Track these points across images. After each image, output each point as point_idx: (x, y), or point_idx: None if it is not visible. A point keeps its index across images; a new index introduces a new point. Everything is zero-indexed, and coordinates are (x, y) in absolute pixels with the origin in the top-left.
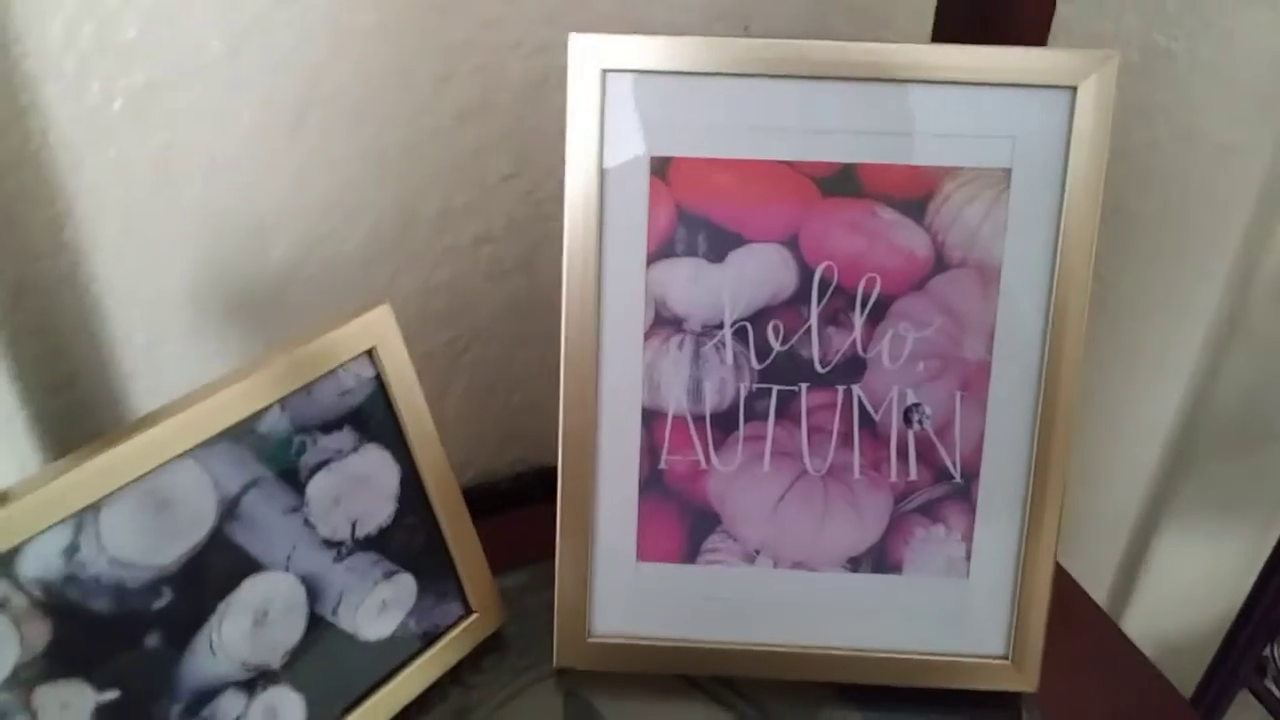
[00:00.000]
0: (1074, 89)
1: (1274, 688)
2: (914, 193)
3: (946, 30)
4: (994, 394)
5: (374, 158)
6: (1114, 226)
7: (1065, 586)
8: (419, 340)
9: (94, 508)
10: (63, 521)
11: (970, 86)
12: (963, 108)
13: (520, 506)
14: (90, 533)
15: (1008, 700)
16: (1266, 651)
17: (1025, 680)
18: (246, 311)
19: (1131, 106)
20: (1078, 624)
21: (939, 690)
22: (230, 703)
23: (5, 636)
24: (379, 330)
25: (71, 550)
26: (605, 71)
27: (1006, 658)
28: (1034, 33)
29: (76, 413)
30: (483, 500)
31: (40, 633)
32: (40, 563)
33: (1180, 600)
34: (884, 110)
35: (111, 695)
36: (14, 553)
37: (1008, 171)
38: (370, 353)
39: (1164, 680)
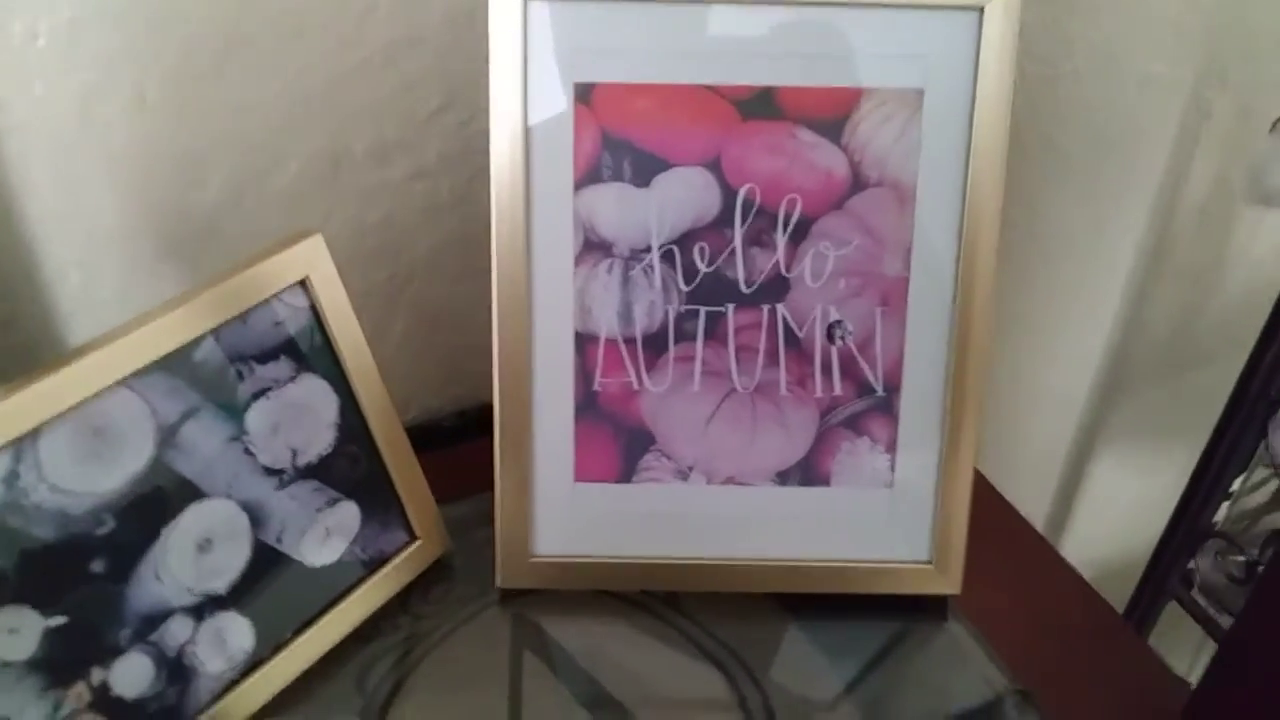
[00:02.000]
0: (980, 9)
1: (1199, 598)
2: (831, 114)
3: None
4: (912, 309)
5: (302, 94)
6: (1042, 159)
7: (994, 504)
8: (356, 278)
9: (32, 435)
10: (1, 450)
11: (883, 8)
12: (876, 29)
13: (463, 442)
14: (30, 461)
15: (935, 604)
16: (1191, 564)
17: (949, 583)
18: (182, 250)
19: (1054, 37)
20: (1005, 539)
21: (871, 596)
22: (178, 627)
23: None
24: (312, 260)
25: (11, 478)
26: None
27: (930, 562)
28: None
29: (18, 354)
30: (426, 437)
31: None
32: None
33: (1115, 524)
34: (800, 33)
35: (59, 620)
36: None
37: (920, 92)
38: (304, 282)
39: (1089, 589)
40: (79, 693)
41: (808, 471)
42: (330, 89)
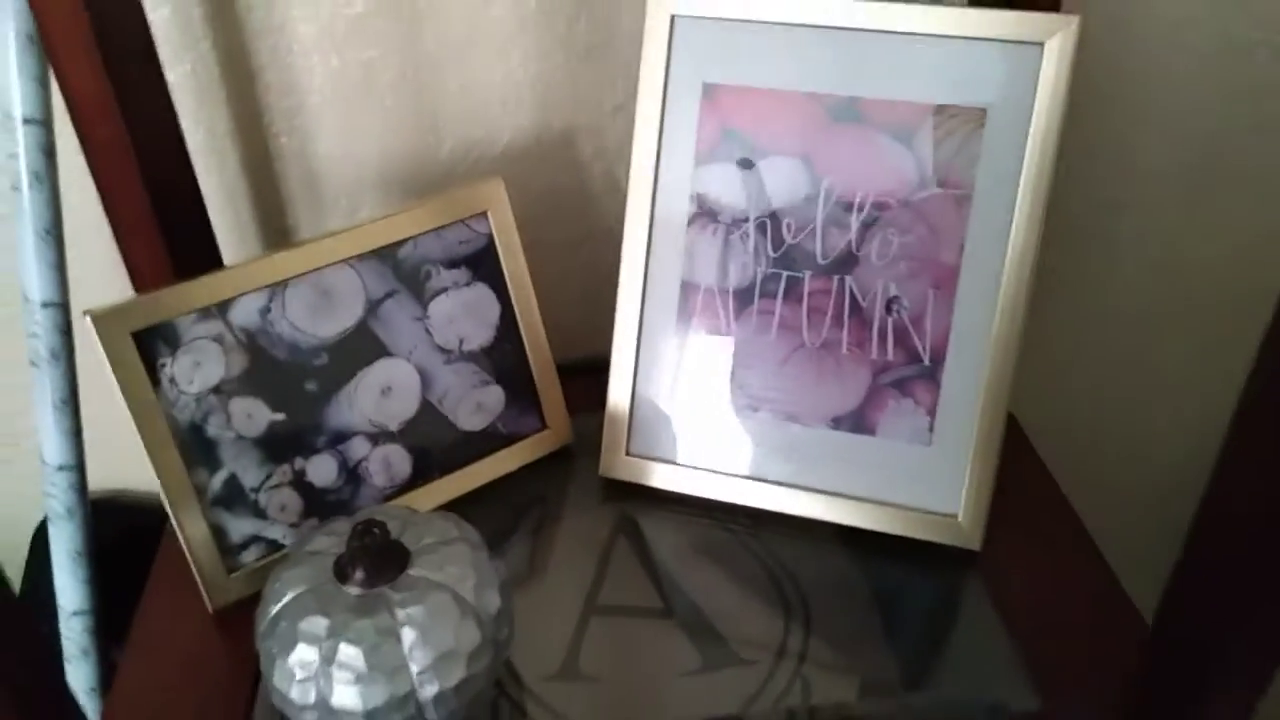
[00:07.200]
0: (1041, 45)
1: None
2: (906, 123)
3: None
4: (961, 293)
5: (518, 81)
6: None
7: (1034, 469)
8: (543, 232)
9: (281, 285)
10: (261, 289)
11: (957, 39)
12: (950, 55)
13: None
14: (279, 301)
15: (963, 557)
16: None
17: (972, 539)
18: (419, 191)
19: None
20: (1035, 504)
21: (911, 543)
22: (358, 446)
23: (217, 359)
24: (492, 197)
25: (265, 311)
26: (674, 16)
27: (957, 517)
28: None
29: None
30: (586, 368)
31: (239, 362)
32: (244, 314)
33: None
34: (884, 54)
35: (280, 417)
36: (229, 303)
37: (984, 110)
38: (485, 214)
39: (1100, 558)
40: (285, 471)
41: (858, 421)
42: (540, 80)
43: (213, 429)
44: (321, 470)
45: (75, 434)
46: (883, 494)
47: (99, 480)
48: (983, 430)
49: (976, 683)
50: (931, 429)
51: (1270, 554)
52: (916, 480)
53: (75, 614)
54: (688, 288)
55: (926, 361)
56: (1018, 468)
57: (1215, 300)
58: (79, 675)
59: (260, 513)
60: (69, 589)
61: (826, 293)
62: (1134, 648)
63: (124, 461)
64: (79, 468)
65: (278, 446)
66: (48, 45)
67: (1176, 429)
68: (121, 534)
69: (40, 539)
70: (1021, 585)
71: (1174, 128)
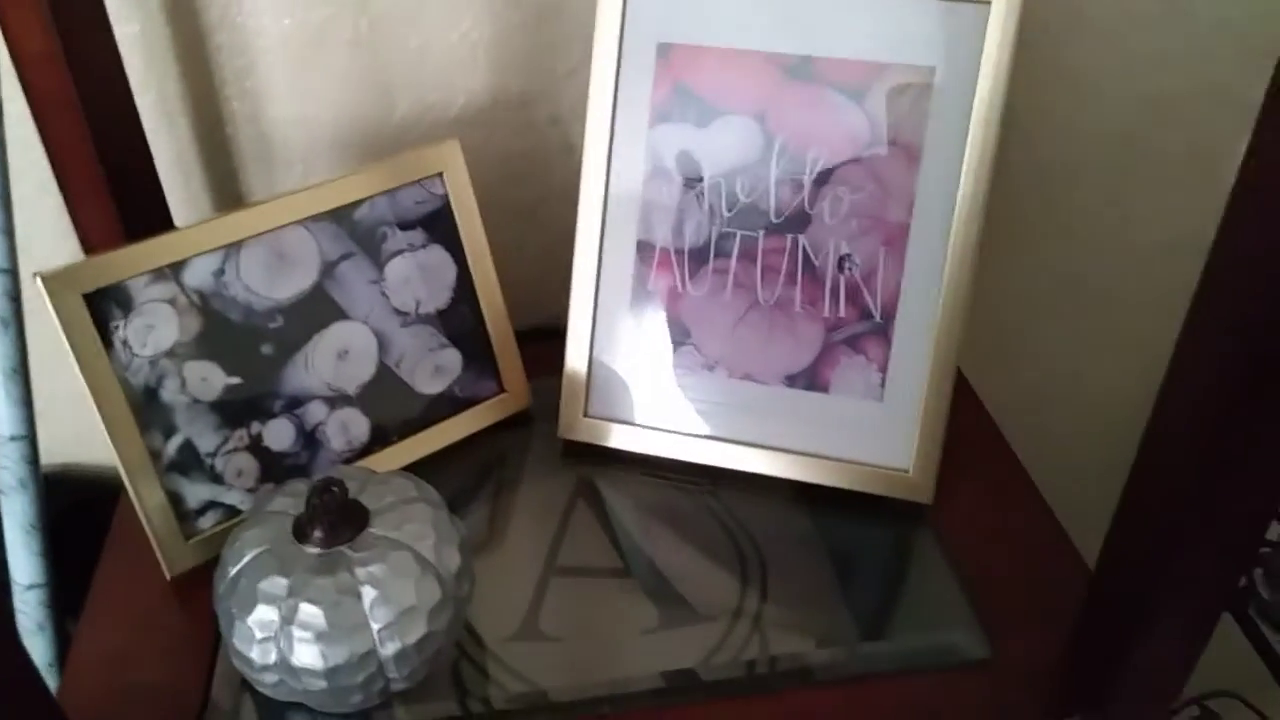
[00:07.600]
0: (988, 4)
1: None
2: (858, 82)
3: None
4: (911, 251)
5: (472, 44)
6: None
7: (985, 425)
8: (499, 195)
9: (235, 246)
10: (215, 250)
11: None
12: (899, 14)
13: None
14: (233, 263)
15: (914, 510)
16: None
17: (923, 493)
18: (374, 155)
19: None
20: (987, 460)
21: (866, 499)
22: (316, 410)
23: (170, 322)
24: (448, 158)
25: (219, 273)
26: None
27: (908, 471)
28: None
29: None
30: (549, 334)
31: (193, 324)
32: (199, 276)
33: None
34: (839, 15)
35: (235, 380)
36: (182, 264)
37: (933, 69)
38: (441, 175)
39: (1048, 511)
40: (241, 435)
41: (811, 378)
42: (494, 43)
43: (167, 393)
44: (278, 434)
45: (26, 403)
46: (836, 450)
47: (43, 456)
48: (933, 385)
49: (929, 632)
50: (883, 385)
51: (1203, 503)
52: (869, 436)
53: (30, 588)
54: (643, 248)
55: (878, 318)
56: (967, 423)
57: (1157, 258)
58: (35, 650)
59: (217, 478)
60: (23, 562)
61: (780, 251)
62: (1080, 596)
63: (69, 436)
64: (31, 438)
65: (233, 411)
66: None
67: (1120, 385)
68: (68, 509)
69: None
70: (971, 537)
71: (1116, 91)
